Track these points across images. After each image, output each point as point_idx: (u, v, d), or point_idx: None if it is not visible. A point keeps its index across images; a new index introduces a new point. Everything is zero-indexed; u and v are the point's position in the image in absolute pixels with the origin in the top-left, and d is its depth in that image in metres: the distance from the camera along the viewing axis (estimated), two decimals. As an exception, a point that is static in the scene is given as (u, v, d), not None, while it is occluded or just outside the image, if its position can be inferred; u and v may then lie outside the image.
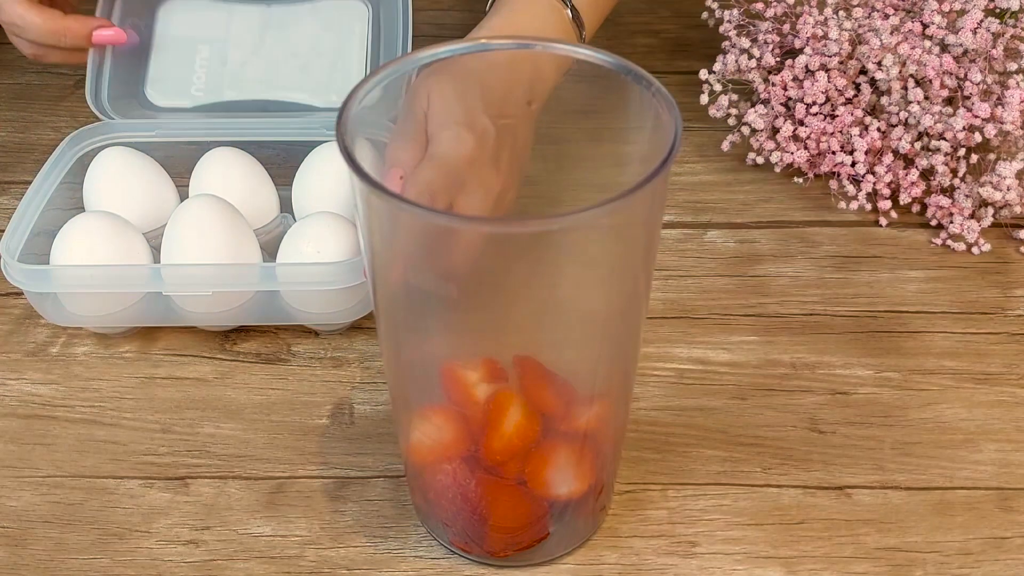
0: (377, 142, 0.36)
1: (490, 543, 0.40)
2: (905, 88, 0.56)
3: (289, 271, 0.48)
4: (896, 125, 0.57)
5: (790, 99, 0.59)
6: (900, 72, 0.55)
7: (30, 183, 0.53)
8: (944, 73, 0.55)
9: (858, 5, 0.58)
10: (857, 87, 0.59)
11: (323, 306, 0.49)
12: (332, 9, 0.62)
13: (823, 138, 0.58)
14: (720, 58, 0.62)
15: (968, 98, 0.54)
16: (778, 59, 0.60)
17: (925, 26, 0.56)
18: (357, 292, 0.49)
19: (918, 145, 0.57)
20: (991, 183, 0.54)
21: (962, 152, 0.55)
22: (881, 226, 0.58)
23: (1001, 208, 0.56)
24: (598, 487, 0.40)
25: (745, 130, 0.61)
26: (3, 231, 0.51)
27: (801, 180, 0.60)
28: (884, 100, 0.57)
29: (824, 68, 0.57)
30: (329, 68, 0.61)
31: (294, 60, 0.61)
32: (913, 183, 0.57)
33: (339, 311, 0.50)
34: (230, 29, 0.62)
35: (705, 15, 0.64)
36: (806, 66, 0.58)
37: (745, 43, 0.61)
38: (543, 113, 0.41)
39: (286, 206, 0.55)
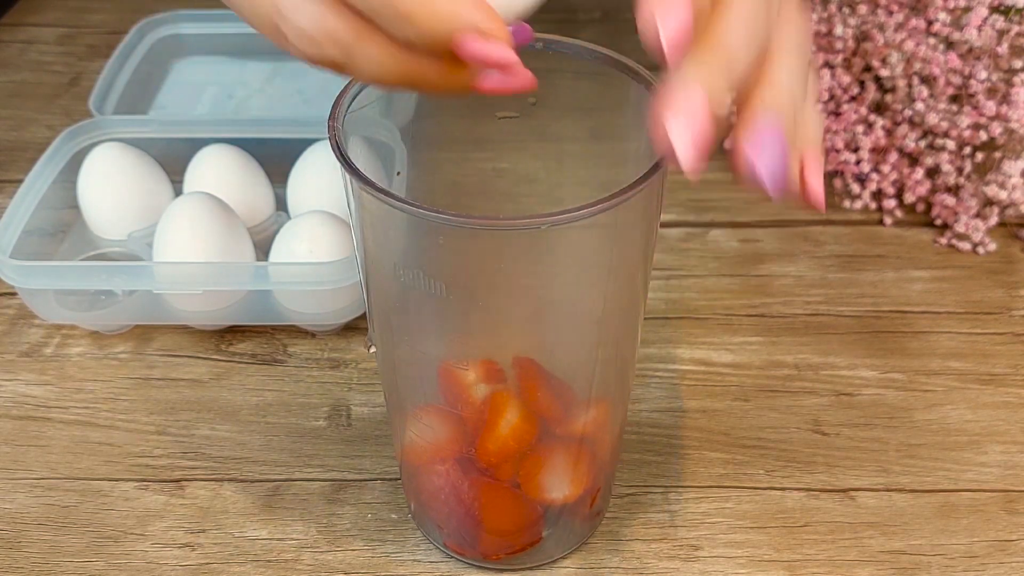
0: (371, 139, 0.36)
1: (483, 546, 0.40)
2: (910, 86, 0.55)
3: (281, 270, 0.48)
4: (901, 123, 0.56)
5: (793, 96, 0.59)
6: (905, 69, 0.55)
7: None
8: (949, 71, 0.54)
9: (862, 2, 0.58)
10: (862, 84, 0.58)
11: (316, 306, 0.49)
12: None
13: (827, 136, 0.57)
14: (722, 55, 0.61)
15: (973, 96, 0.54)
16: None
17: (930, 23, 0.55)
18: (350, 292, 0.48)
19: (923, 143, 0.56)
20: (996, 182, 0.54)
21: (967, 150, 0.55)
22: (885, 225, 0.57)
23: (1007, 207, 0.55)
24: (593, 492, 0.40)
25: (748, 128, 0.60)
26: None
27: (804, 178, 0.60)
28: (889, 98, 0.56)
29: (828, 65, 0.57)
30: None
31: (298, 96, 0.65)
32: (918, 182, 0.56)
33: (332, 311, 0.49)
34: (241, 76, 0.66)
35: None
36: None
37: (748, 40, 0.60)
38: (542, 110, 0.41)
39: (282, 204, 0.55)
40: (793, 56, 0.30)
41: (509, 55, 0.27)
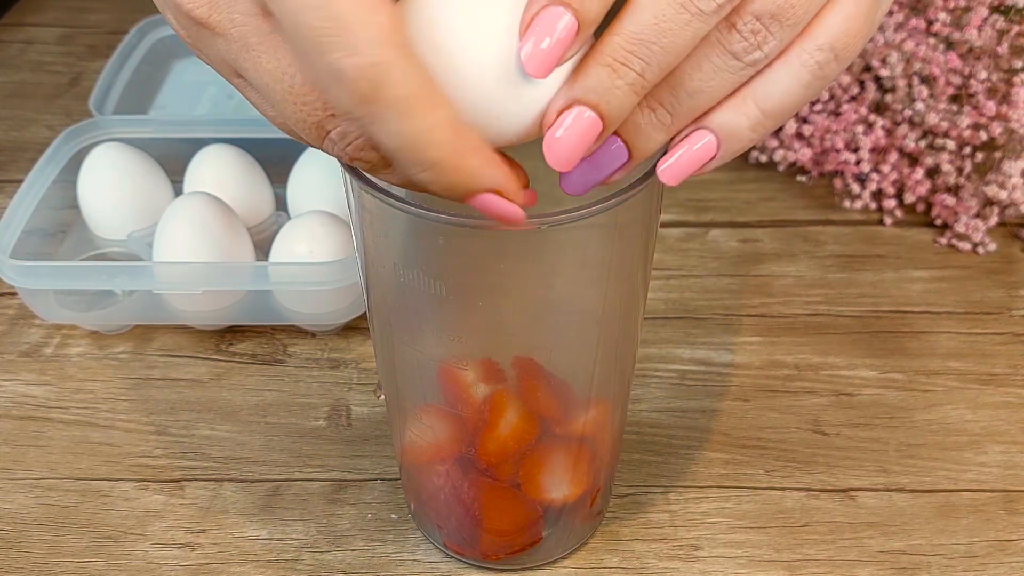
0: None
1: (483, 546, 0.40)
2: (910, 86, 0.55)
3: (281, 270, 0.48)
4: (901, 123, 0.56)
5: (793, 96, 0.59)
6: (905, 69, 0.55)
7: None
8: (949, 71, 0.54)
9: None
10: (862, 84, 0.58)
11: (316, 306, 0.49)
12: None
13: (827, 136, 0.57)
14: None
15: (973, 96, 0.54)
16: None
17: (930, 23, 0.55)
18: (350, 292, 0.48)
19: (923, 143, 0.56)
20: (996, 182, 0.54)
21: (968, 150, 0.55)
22: (885, 225, 0.57)
23: (1007, 207, 0.55)
24: (593, 492, 0.40)
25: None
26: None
27: (805, 179, 0.60)
28: (889, 98, 0.56)
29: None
30: None
31: None
32: (918, 182, 0.56)
33: (332, 311, 0.49)
34: None
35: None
36: (809, 63, 0.57)
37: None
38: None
39: (282, 204, 0.55)
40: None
41: (519, 215, 0.27)
